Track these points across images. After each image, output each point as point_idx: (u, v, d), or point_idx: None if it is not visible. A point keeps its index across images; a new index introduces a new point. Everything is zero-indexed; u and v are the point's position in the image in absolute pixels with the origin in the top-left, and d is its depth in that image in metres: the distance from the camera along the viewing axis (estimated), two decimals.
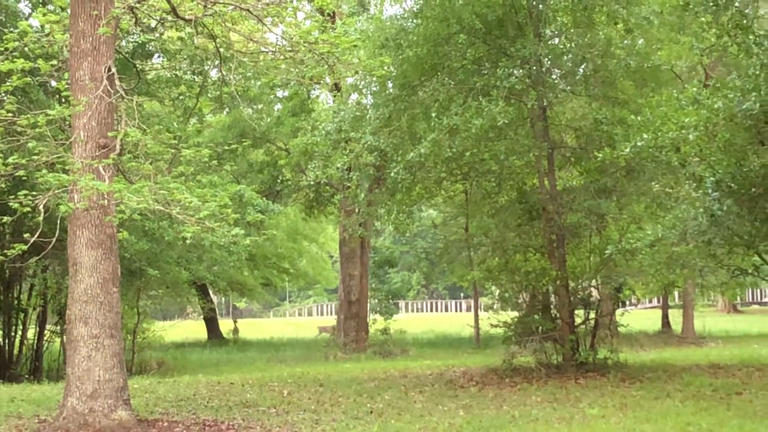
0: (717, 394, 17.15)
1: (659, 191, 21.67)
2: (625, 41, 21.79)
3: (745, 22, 15.61)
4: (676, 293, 44.00)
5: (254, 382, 21.48)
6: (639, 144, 15.46)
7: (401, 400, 17.54)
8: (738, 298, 57.90)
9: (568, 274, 21.25)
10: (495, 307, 23.50)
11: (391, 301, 41.98)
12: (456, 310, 79.30)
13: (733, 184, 15.30)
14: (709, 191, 15.62)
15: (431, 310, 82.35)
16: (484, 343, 34.16)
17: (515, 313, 22.59)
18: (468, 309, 63.90)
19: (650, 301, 56.57)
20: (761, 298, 70.79)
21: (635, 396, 17.06)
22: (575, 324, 21.51)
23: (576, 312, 21.82)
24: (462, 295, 79.97)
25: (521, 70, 20.09)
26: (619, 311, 24.81)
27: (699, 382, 18.71)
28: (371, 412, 15.92)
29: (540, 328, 21.63)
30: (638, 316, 37.41)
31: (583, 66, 21.92)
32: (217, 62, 22.28)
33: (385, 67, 18.19)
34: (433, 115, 19.72)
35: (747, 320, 51.02)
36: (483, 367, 23.27)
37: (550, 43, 21.83)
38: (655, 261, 19.11)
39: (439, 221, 40.03)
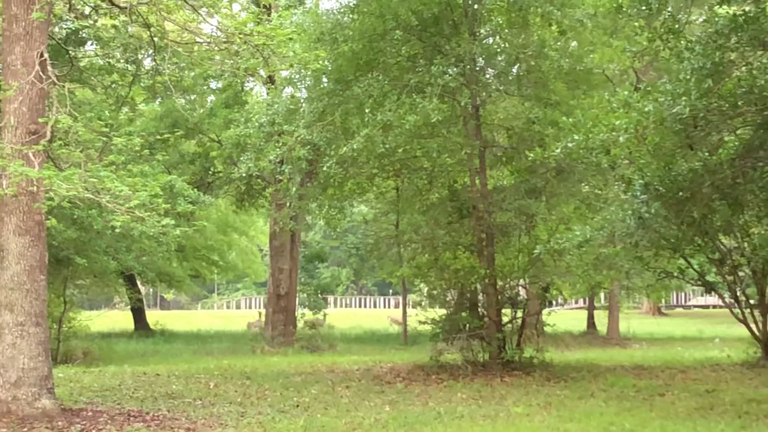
0: (640, 394, 17.36)
1: (588, 192, 21.91)
2: (559, 43, 21.92)
3: (677, 27, 15.82)
4: (602, 294, 44.39)
5: (180, 373, 21.39)
6: (570, 145, 15.58)
7: (328, 395, 17.57)
8: (663, 301, 58.38)
9: (496, 273, 21.37)
10: (423, 304, 23.64)
11: (320, 295, 42.03)
12: (384, 306, 79.13)
13: (661, 188, 15.48)
14: (638, 194, 15.79)
15: (360, 306, 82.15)
16: (411, 339, 34.21)
17: (443, 311, 22.70)
18: (396, 305, 63.90)
19: (576, 302, 56.93)
20: (685, 301, 71.44)
21: (560, 395, 17.22)
22: (502, 322, 21.64)
23: (503, 311, 21.96)
24: (391, 291, 79.88)
25: (455, 69, 20.13)
26: (545, 311, 24.96)
27: (623, 382, 18.91)
28: (297, 406, 15.95)
29: (467, 325, 21.73)
30: (564, 317, 37.72)
31: (516, 66, 22.04)
32: (150, 51, 22.21)
33: (320, 61, 18.13)
34: (367, 110, 19.80)
35: (671, 323, 51.57)
36: (410, 363, 23.32)
37: (484, 42, 21.97)
38: (582, 262, 19.33)
39: (370, 217, 40.03)
